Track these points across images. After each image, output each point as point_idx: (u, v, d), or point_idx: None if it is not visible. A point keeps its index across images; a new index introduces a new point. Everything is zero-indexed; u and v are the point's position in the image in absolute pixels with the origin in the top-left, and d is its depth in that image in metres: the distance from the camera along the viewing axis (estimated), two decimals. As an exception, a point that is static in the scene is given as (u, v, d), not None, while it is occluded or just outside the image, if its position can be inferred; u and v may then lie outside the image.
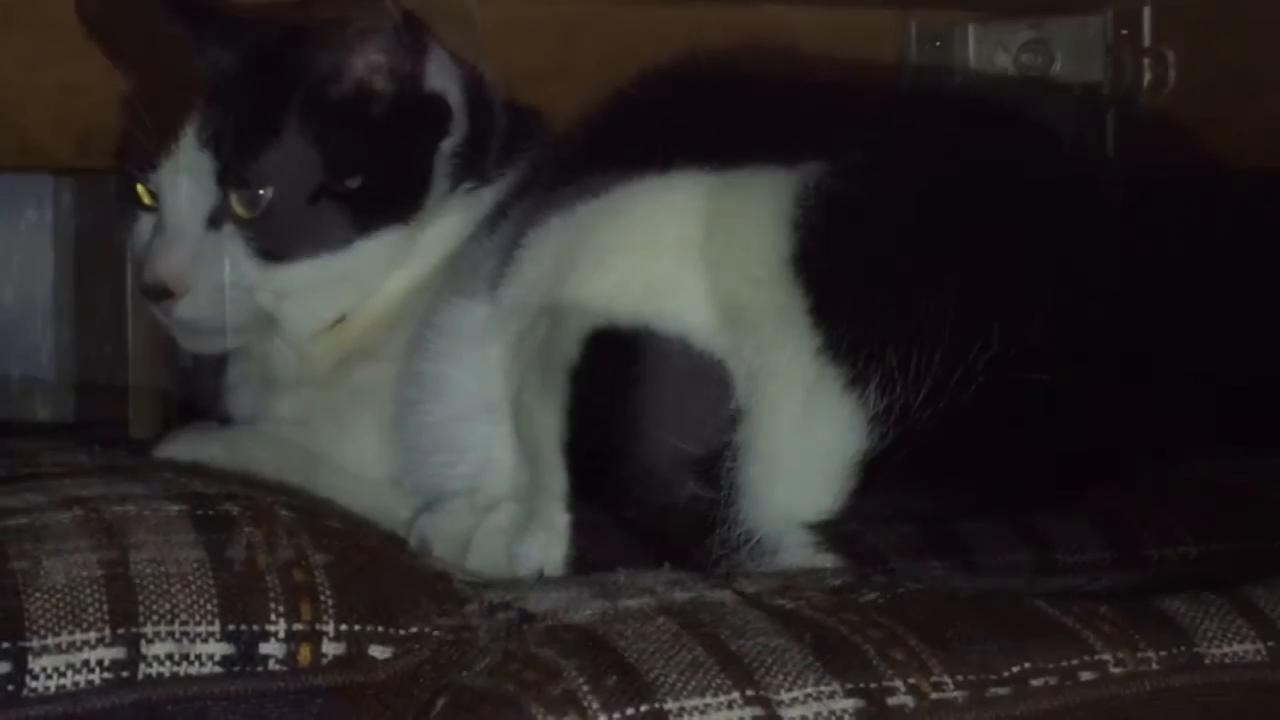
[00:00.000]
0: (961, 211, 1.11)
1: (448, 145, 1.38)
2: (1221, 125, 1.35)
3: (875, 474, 1.07)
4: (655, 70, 1.26)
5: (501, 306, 1.23)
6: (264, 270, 1.34)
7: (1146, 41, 1.63)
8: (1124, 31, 1.64)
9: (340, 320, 1.40)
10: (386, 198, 1.35)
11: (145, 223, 1.37)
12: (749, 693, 0.89)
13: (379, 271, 1.37)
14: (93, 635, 0.87)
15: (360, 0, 1.32)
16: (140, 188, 1.36)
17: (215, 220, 1.34)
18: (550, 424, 1.15)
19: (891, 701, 0.90)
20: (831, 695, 0.90)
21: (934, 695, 0.91)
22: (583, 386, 1.13)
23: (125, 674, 0.87)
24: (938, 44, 1.69)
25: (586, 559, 1.13)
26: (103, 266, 1.87)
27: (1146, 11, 1.63)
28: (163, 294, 1.33)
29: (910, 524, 1.05)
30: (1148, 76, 1.61)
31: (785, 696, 0.89)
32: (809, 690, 0.90)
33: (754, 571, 1.08)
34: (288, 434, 1.38)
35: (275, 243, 1.33)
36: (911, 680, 0.91)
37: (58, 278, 2.06)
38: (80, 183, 1.98)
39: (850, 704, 0.90)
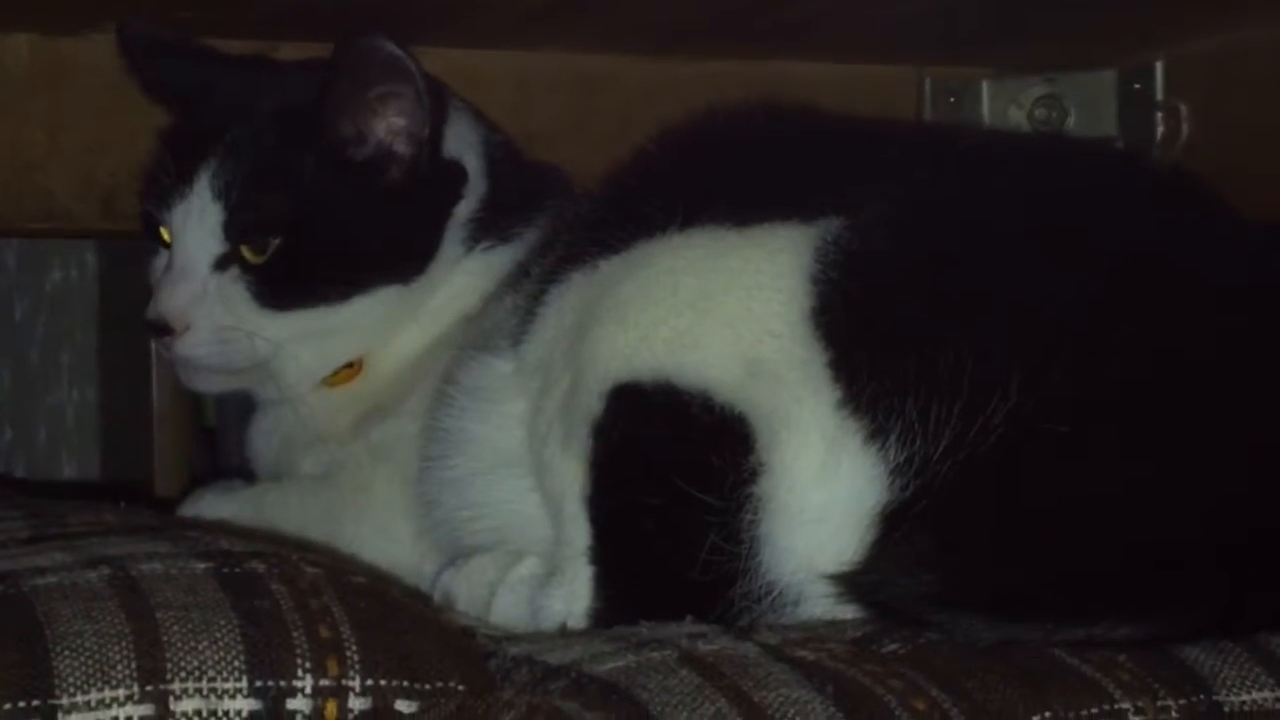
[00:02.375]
0: (979, 264, 1.11)
1: (463, 209, 1.40)
2: (1235, 178, 1.36)
3: (896, 525, 1.07)
4: (675, 127, 1.27)
5: (524, 362, 1.24)
6: (263, 316, 1.36)
7: (1159, 95, 1.64)
8: (1136, 86, 1.65)
9: (357, 375, 1.41)
10: (391, 259, 1.37)
11: (161, 259, 1.39)
12: (772, 744, 0.90)
13: (376, 327, 1.39)
14: (121, 693, 0.88)
15: (383, 61, 1.33)
16: (161, 227, 1.38)
17: (222, 264, 1.36)
18: (572, 478, 1.16)
19: (914, 752, 0.91)
20: (854, 746, 0.91)
21: (956, 745, 0.92)
22: (604, 441, 1.14)
23: (155, 730, 0.88)
24: (952, 100, 1.70)
25: (609, 612, 1.13)
26: (127, 327, 1.88)
27: (1159, 66, 1.64)
28: (163, 330, 1.35)
29: (932, 574, 1.05)
30: (1160, 130, 1.62)
31: (808, 748, 0.90)
32: (832, 741, 0.90)
33: (776, 623, 1.08)
34: (310, 491, 1.39)
35: (276, 291, 1.35)
36: (934, 731, 0.92)
37: (82, 338, 2.08)
38: (103, 244, 2.00)
39: (873, 755, 0.90)
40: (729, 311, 1.13)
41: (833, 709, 0.92)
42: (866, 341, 1.09)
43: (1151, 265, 1.12)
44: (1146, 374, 1.07)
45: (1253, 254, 1.19)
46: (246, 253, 1.35)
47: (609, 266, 1.18)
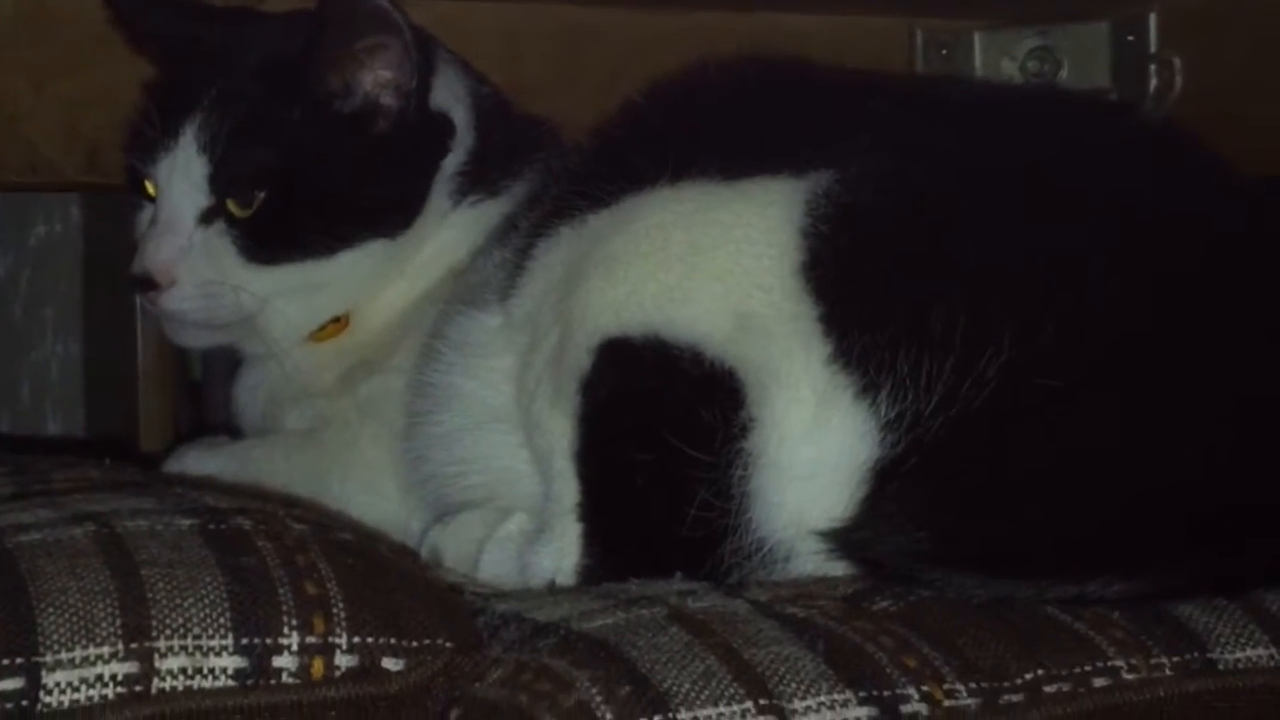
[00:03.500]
0: (970, 217, 1.11)
1: (450, 162, 1.39)
2: (1229, 130, 1.35)
3: (887, 481, 1.06)
4: (665, 80, 1.26)
5: (512, 317, 1.23)
6: (248, 270, 1.35)
7: (1153, 48, 1.63)
8: (1129, 37, 1.64)
9: (344, 329, 1.40)
10: (377, 212, 1.36)
11: (146, 213, 1.38)
12: (762, 701, 0.89)
13: (363, 282, 1.38)
14: (106, 650, 0.88)
15: (370, 13, 1.32)
16: (146, 181, 1.37)
17: (207, 217, 1.34)
18: (561, 434, 1.15)
19: (905, 709, 0.91)
20: (845, 704, 0.90)
21: (947, 703, 0.91)
22: (593, 396, 1.13)
23: (139, 688, 0.87)
24: (944, 52, 1.69)
25: (598, 569, 1.13)
26: (112, 281, 1.87)
27: (1152, 18, 1.63)
28: (149, 285, 1.34)
29: (923, 531, 1.04)
30: (1154, 82, 1.61)
31: (798, 705, 0.90)
32: (822, 699, 0.90)
33: (766, 580, 1.08)
34: (297, 447, 1.38)
35: (261, 245, 1.34)
36: (925, 688, 0.92)
37: (67, 293, 2.07)
38: (89, 198, 1.99)
39: (864, 712, 0.90)
40: (719, 266, 1.12)
41: (823, 666, 0.92)
42: (857, 296, 1.08)
43: (1144, 219, 1.11)
44: (1139, 328, 1.06)
45: (1244, 207, 1.18)
46: (232, 206, 1.34)
47: (597, 220, 1.17)
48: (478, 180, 1.40)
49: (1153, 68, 1.62)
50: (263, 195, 1.33)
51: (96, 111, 1.51)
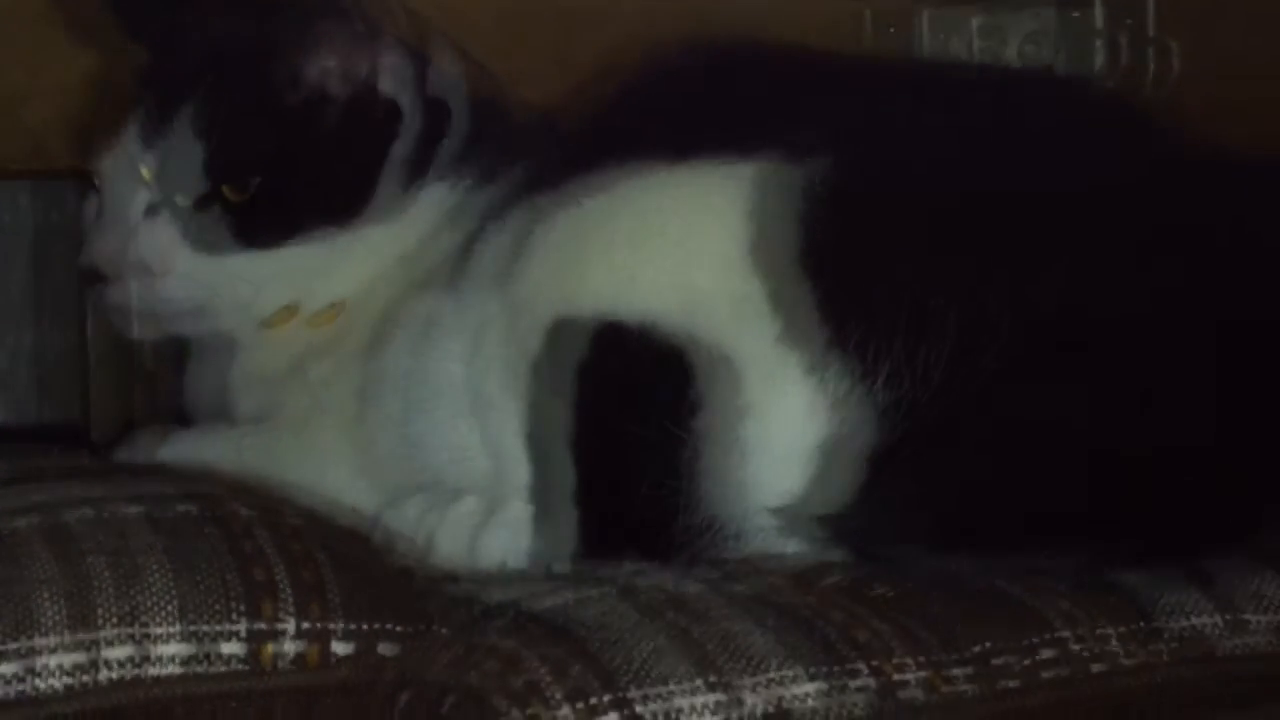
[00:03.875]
0: (920, 196, 1.11)
1: (398, 148, 1.38)
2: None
3: (836, 458, 1.07)
4: (613, 62, 1.26)
5: (463, 301, 1.23)
6: (196, 260, 1.34)
7: (1098, 24, 1.63)
8: (1075, 15, 1.65)
9: (295, 316, 1.39)
10: (325, 201, 1.35)
11: (95, 203, 1.37)
12: (711, 679, 0.90)
13: (313, 271, 1.37)
14: (51, 640, 0.87)
15: None
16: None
17: (153, 209, 1.34)
18: (512, 415, 1.15)
19: (854, 684, 0.91)
20: (794, 679, 0.91)
21: (896, 676, 0.92)
22: (544, 378, 1.13)
23: (86, 678, 0.87)
24: (892, 30, 1.69)
25: (551, 550, 1.13)
26: (61, 269, 1.86)
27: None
28: (96, 277, 1.33)
29: (873, 506, 1.05)
30: (1100, 59, 1.62)
31: (748, 681, 0.90)
32: (771, 674, 0.90)
33: (717, 558, 1.08)
34: (249, 432, 1.38)
35: (208, 235, 1.33)
36: (874, 662, 0.92)
37: (16, 281, 2.06)
38: (36, 185, 1.98)
39: (813, 687, 0.90)
40: (668, 246, 1.12)
41: (773, 642, 0.92)
42: (806, 275, 1.08)
43: (1113, 198, 1.11)
44: (1079, 303, 1.06)
45: (1235, 187, 1.18)
46: (178, 198, 1.33)
47: (546, 203, 1.17)
48: (425, 166, 1.40)
49: (1098, 44, 1.62)
50: (207, 187, 1.33)
51: (41, 101, 1.50)
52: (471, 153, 1.40)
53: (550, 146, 1.24)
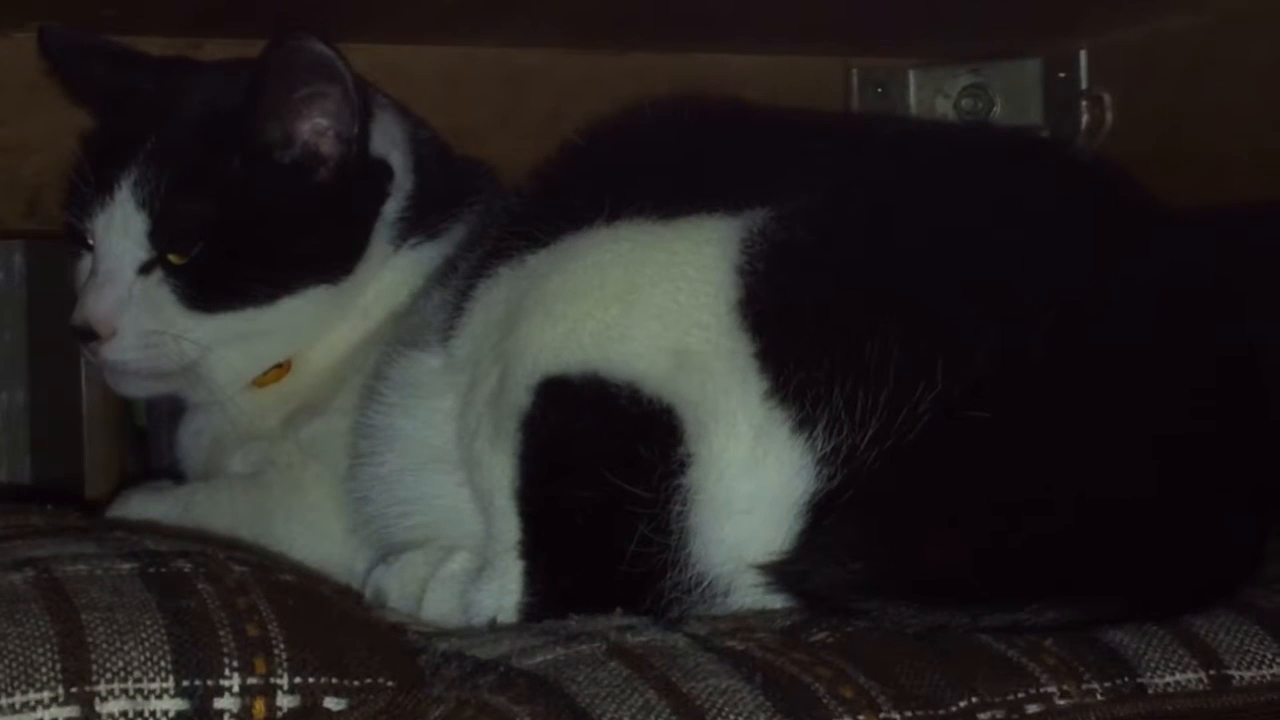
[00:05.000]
0: (902, 253, 1.12)
1: (389, 207, 1.39)
2: (1157, 165, 1.37)
3: (824, 514, 1.07)
4: (602, 122, 1.27)
5: (453, 357, 1.24)
6: (189, 319, 1.35)
7: (1083, 84, 1.65)
8: (1061, 75, 1.66)
9: (285, 374, 1.40)
10: (317, 258, 1.37)
11: (86, 262, 1.38)
12: (700, 734, 0.90)
13: (305, 328, 1.38)
14: (46, 695, 0.88)
15: (312, 62, 1.32)
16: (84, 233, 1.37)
17: (146, 267, 1.35)
18: (501, 472, 1.16)
19: (841, 739, 0.91)
20: (782, 735, 0.91)
21: (883, 731, 0.92)
22: (533, 434, 1.14)
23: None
24: (879, 90, 1.71)
25: (539, 606, 1.13)
26: (56, 328, 1.87)
27: (1082, 55, 1.65)
28: (90, 336, 1.34)
29: (859, 563, 1.06)
30: (1085, 119, 1.64)
31: (737, 737, 0.90)
32: (759, 730, 0.91)
33: (705, 614, 1.08)
34: (240, 490, 1.38)
35: (202, 293, 1.34)
36: (861, 717, 0.93)
37: (11, 340, 2.06)
38: (31, 245, 1.99)
39: (801, 742, 0.91)
40: (656, 303, 1.13)
41: (761, 698, 0.93)
42: (792, 332, 1.10)
43: (1074, 254, 1.13)
44: (1068, 359, 1.08)
45: (1170, 242, 1.20)
46: (172, 256, 1.34)
47: (536, 260, 1.18)
48: (418, 223, 1.41)
49: (1083, 104, 1.64)
50: (202, 245, 1.34)
51: (37, 159, 1.51)
52: (456, 208, 1.42)
53: (530, 202, 1.25)
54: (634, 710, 0.91)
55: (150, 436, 1.80)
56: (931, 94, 1.70)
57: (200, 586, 0.96)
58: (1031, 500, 1.05)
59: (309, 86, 1.33)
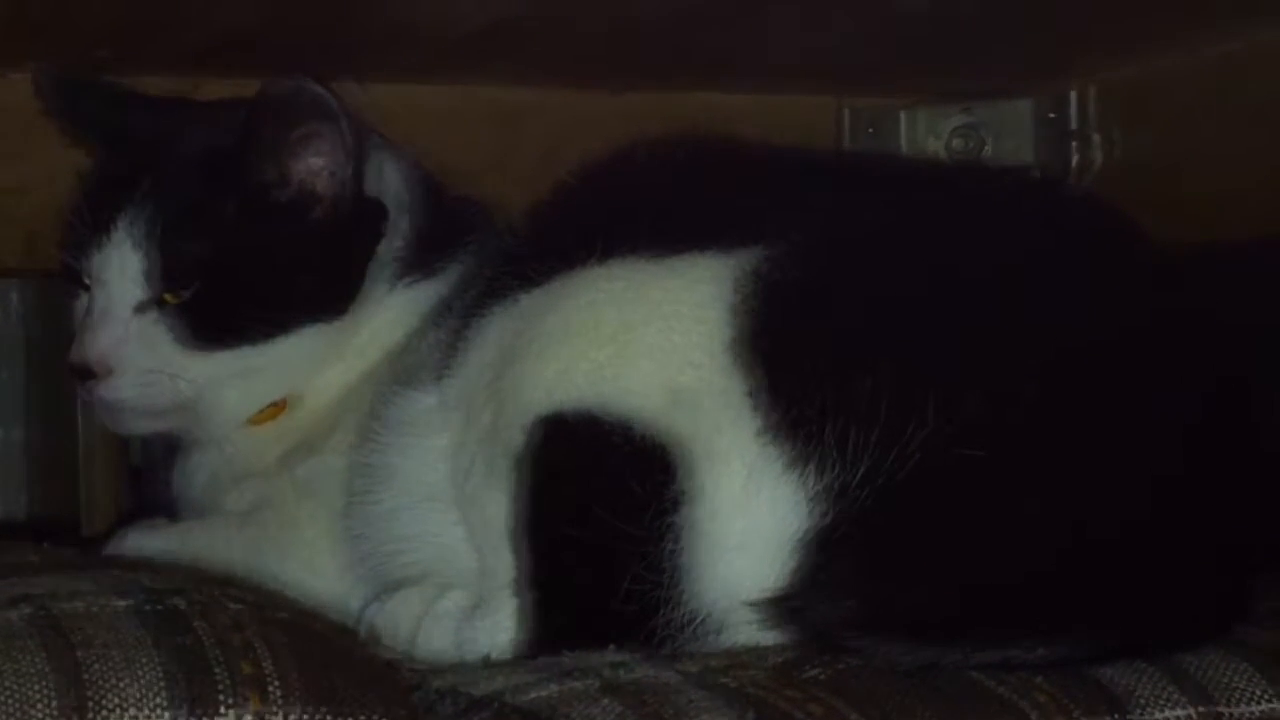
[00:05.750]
0: (895, 293, 1.13)
1: (385, 247, 1.40)
2: (1148, 205, 1.38)
3: (817, 551, 1.08)
4: (596, 161, 1.28)
5: (448, 396, 1.24)
6: (186, 357, 1.35)
7: (1074, 124, 1.66)
8: (1052, 115, 1.67)
9: (281, 412, 1.41)
10: (313, 297, 1.37)
11: (83, 302, 1.38)
12: (692, 771, 0.90)
13: (302, 366, 1.38)
14: (44, 732, 0.88)
15: (307, 103, 1.33)
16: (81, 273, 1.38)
17: (143, 306, 1.35)
18: (495, 511, 1.16)
19: (833, 776, 0.92)
20: (774, 771, 0.91)
21: (874, 768, 0.92)
22: (527, 473, 1.14)
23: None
24: (871, 130, 1.72)
25: (534, 643, 1.14)
26: (53, 366, 1.87)
27: (1073, 95, 1.66)
28: (87, 374, 1.35)
29: (852, 599, 1.06)
30: (1075, 158, 1.65)
31: (728, 773, 0.91)
32: (751, 766, 0.91)
33: (699, 651, 1.09)
34: (236, 527, 1.39)
35: (199, 332, 1.35)
36: (852, 754, 0.93)
37: (8, 377, 2.07)
38: (27, 284, 1.99)
39: (792, 779, 0.91)
40: (650, 342, 1.14)
41: (754, 735, 0.93)
42: (785, 370, 1.10)
43: (1066, 293, 1.13)
44: (1059, 399, 1.08)
45: (1165, 281, 1.20)
46: (168, 296, 1.35)
47: (529, 300, 1.19)
48: (413, 263, 1.41)
49: (1074, 144, 1.65)
50: (198, 284, 1.34)
51: (34, 198, 1.52)
52: (452, 247, 1.42)
53: (525, 241, 1.26)
54: (628, 747, 0.92)
55: (146, 474, 1.81)
56: (923, 134, 1.71)
57: (196, 624, 0.96)
58: (1023, 538, 1.06)
59: (304, 126, 1.34)
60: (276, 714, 0.92)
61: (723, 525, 1.10)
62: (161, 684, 0.91)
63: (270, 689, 0.93)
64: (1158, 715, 0.99)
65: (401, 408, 1.28)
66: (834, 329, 1.11)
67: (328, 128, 1.34)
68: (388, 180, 1.41)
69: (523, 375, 1.16)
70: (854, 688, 0.99)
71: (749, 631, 1.10)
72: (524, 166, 1.58)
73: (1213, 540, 1.09)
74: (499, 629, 1.15)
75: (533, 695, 0.98)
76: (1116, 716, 0.98)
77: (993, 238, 1.17)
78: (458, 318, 1.28)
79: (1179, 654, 1.04)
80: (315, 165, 1.36)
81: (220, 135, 1.37)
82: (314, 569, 1.35)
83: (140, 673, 0.91)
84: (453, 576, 1.23)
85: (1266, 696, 1.01)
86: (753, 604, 1.09)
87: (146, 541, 1.39)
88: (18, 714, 0.88)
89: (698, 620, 1.10)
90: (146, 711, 0.90)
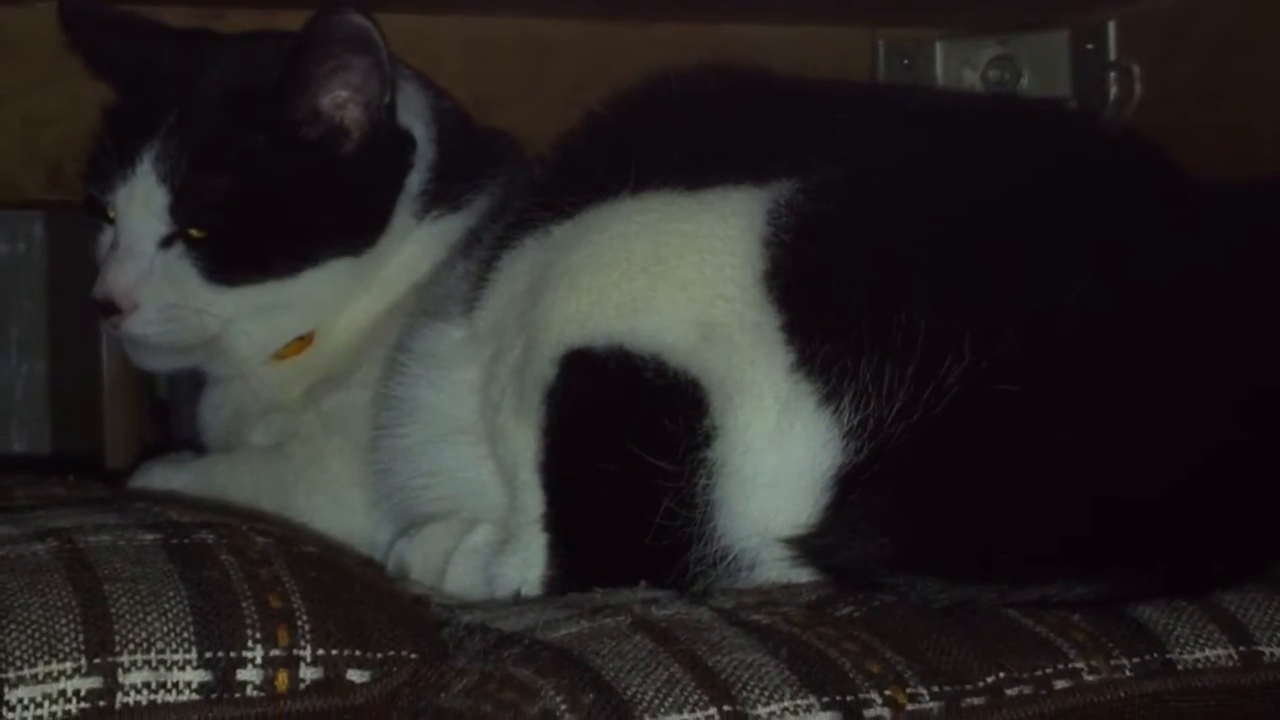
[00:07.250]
0: (931, 225, 1.11)
1: (412, 179, 1.39)
2: (1186, 136, 1.36)
3: (851, 488, 1.07)
4: (627, 91, 1.26)
5: (477, 329, 1.23)
6: (211, 292, 1.34)
7: (1112, 55, 1.64)
8: (1089, 46, 1.65)
9: (307, 346, 1.40)
10: (340, 231, 1.36)
11: (106, 236, 1.37)
12: (725, 708, 0.89)
13: (327, 300, 1.37)
14: (69, 665, 0.88)
15: (351, 35, 1.31)
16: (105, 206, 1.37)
17: (168, 241, 1.34)
18: (525, 445, 1.15)
19: (868, 713, 0.91)
20: (808, 709, 0.91)
21: (910, 706, 0.92)
22: (557, 407, 1.13)
23: (103, 703, 0.87)
24: (905, 61, 1.70)
25: (564, 579, 1.13)
26: (76, 298, 1.87)
27: (1111, 26, 1.64)
28: (111, 309, 1.34)
29: (886, 537, 1.05)
30: (1113, 90, 1.62)
31: (762, 711, 0.90)
32: (785, 704, 0.90)
33: (731, 588, 1.08)
34: (262, 462, 1.38)
35: (223, 266, 1.34)
36: (888, 692, 0.92)
37: (31, 311, 2.06)
38: (51, 215, 1.99)
39: (827, 717, 0.90)
40: (682, 275, 1.12)
41: (787, 672, 0.92)
42: (819, 304, 1.09)
43: (1103, 226, 1.12)
44: (1098, 333, 1.07)
45: (1203, 215, 1.18)
46: (193, 231, 1.34)
47: (561, 231, 1.18)
48: (440, 195, 1.40)
49: (1112, 75, 1.63)
50: (223, 218, 1.33)
51: (57, 129, 1.51)
52: (479, 179, 1.41)
53: (555, 173, 1.24)
54: (659, 684, 0.91)
55: (171, 408, 1.80)
56: (958, 65, 1.69)
57: (223, 558, 0.95)
58: (1059, 475, 1.04)
59: (341, 58, 1.33)
60: (304, 649, 0.92)
61: (755, 461, 1.08)
62: (189, 618, 0.91)
63: (299, 623, 0.92)
64: (1197, 654, 0.98)
65: (429, 341, 1.27)
66: (868, 262, 1.10)
67: (365, 59, 1.33)
68: (416, 113, 1.40)
69: (553, 308, 1.15)
70: (888, 626, 0.98)
71: (781, 569, 1.09)
72: (553, 98, 1.57)
73: (1253, 478, 1.08)
74: (529, 565, 1.14)
75: (563, 631, 0.98)
76: (1155, 655, 0.97)
77: (1030, 171, 1.15)
78: (486, 250, 1.27)
79: (1219, 593, 1.03)
80: (347, 97, 1.34)
81: (246, 69, 1.36)
82: (341, 503, 1.35)
83: (167, 607, 0.91)
84: (481, 511, 1.22)
85: (1309, 636, 1.00)
86: (785, 541, 1.07)
87: (172, 476, 1.38)
88: (45, 648, 0.87)
89: (729, 557, 1.09)
90: (173, 646, 0.90)
